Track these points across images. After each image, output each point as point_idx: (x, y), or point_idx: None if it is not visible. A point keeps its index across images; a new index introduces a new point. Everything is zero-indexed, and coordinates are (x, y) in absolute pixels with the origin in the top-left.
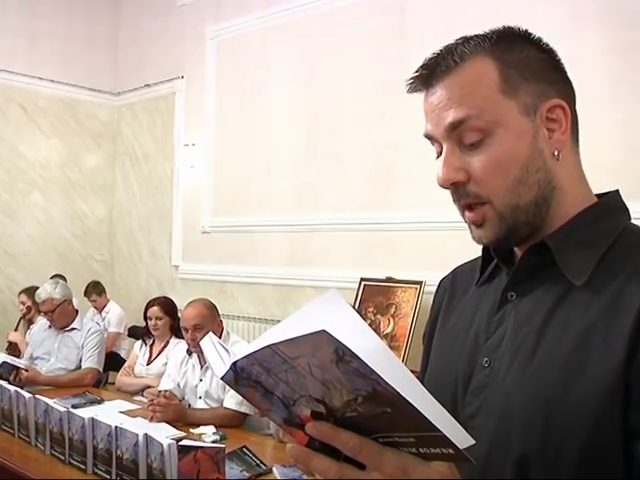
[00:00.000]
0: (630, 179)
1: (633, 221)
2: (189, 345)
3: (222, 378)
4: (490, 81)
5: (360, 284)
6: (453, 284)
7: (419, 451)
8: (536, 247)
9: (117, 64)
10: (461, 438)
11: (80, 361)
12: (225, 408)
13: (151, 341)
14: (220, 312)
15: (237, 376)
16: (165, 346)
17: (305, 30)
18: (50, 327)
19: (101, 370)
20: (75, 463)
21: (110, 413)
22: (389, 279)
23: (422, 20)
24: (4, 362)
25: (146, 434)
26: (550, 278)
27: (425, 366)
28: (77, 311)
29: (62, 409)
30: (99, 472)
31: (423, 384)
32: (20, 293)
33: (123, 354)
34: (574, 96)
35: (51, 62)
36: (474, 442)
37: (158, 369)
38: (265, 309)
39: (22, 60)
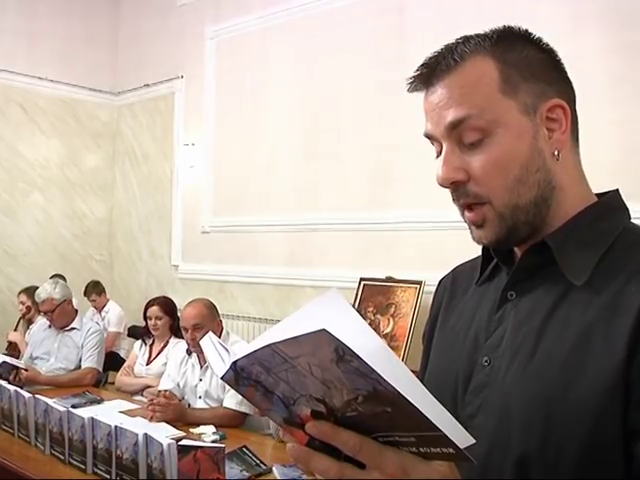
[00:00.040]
0: (630, 179)
1: (633, 221)
2: (189, 345)
3: (222, 378)
4: (490, 80)
5: (360, 284)
6: (453, 283)
7: (419, 450)
8: (536, 247)
9: (117, 64)
10: (461, 437)
11: (80, 361)
12: (225, 408)
13: (151, 341)
14: (220, 312)
15: (237, 375)
16: (165, 346)
17: (304, 30)
18: (50, 327)
19: (101, 370)
20: (75, 463)
21: (110, 413)
22: (389, 279)
23: (421, 20)
24: (4, 362)
25: (146, 434)
26: (550, 278)
27: (425, 366)
28: (77, 311)
29: (62, 409)
30: (99, 472)
31: (423, 384)
32: (20, 293)
33: (123, 354)
34: (574, 96)
35: (51, 62)
36: (474, 441)
37: (158, 369)
38: (265, 309)
39: (22, 60)
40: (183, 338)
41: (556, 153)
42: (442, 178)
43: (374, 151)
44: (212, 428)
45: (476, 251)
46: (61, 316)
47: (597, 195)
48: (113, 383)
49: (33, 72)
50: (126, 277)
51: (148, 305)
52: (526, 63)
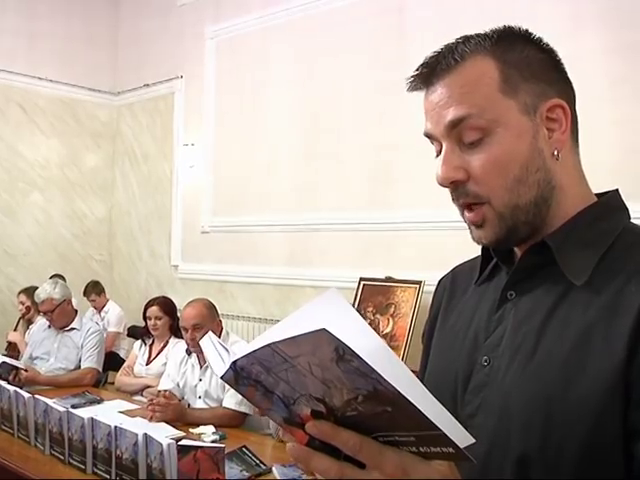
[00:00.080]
0: (630, 179)
1: (633, 221)
2: (188, 345)
3: (222, 377)
4: (490, 80)
5: (359, 284)
6: (453, 283)
7: (419, 450)
8: (536, 246)
9: (116, 64)
10: (461, 437)
11: (79, 361)
12: (225, 408)
13: (150, 341)
14: (220, 312)
15: (237, 375)
16: (164, 346)
17: (304, 30)
18: (49, 327)
19: (100, 370)
20: (75, 463)
21: (109, 413)
22: (388, 279)
23: (421, 20)
24: (3, 362)
25: (145, 434)
26: (550, 277)
27: (425, 365)
28: (76, 311)
29: (62, 409)
30: (99, 472)
31: (423, 383)
32: (19, 293)
33: (122, 354)
34: (574, 96)
35: (50, 62)
36: (474, 441)
37: (157, 369)
38: (265, 309)
39: (21, 60)
40: (183, 338)
41: (556, 153)
42: (442, 177)
43: (374, 151)
44: (212, 428)
45: (476, 251)
46: (61, 316)
47: (597, 195)
48: (113, 383)
49: (33, 72)
50: (126, 277)
51: (148, 305)
52: (526, 63)
